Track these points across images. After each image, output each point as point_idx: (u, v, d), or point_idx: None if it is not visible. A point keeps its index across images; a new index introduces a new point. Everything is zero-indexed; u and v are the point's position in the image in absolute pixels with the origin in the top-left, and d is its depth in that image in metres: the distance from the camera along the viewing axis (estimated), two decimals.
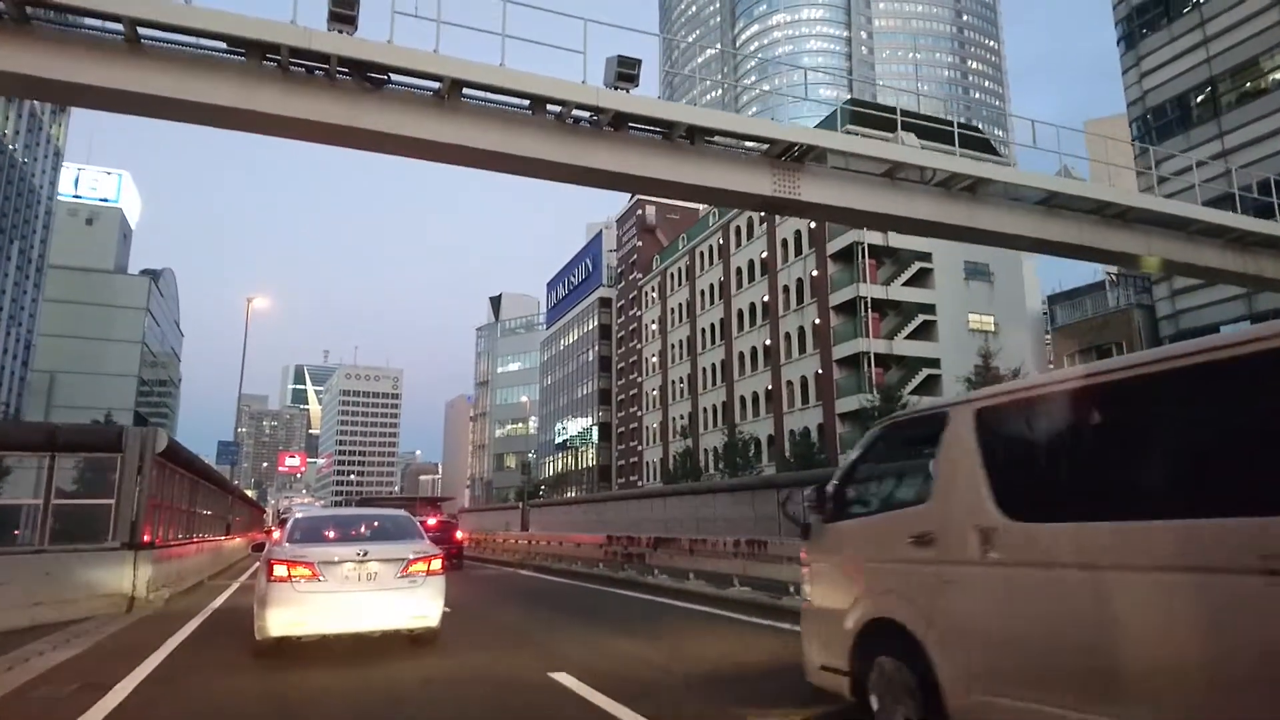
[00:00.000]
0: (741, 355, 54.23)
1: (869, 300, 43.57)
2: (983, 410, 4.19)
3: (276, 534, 10.14)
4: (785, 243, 50.31)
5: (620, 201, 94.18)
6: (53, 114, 52.56)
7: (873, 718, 4.45)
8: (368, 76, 10.12)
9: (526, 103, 10.77)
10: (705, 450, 55.24)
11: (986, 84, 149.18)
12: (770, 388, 50.42)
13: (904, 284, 44.57)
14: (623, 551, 16.76)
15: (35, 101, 48.81)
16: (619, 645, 8.77)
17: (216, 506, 26.29)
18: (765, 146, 11.56)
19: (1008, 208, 13.90)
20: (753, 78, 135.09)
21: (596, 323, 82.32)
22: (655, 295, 69.47)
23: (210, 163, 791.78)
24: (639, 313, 72.37)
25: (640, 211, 73.37)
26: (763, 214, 52.80)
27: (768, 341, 51.23)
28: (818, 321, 46.59)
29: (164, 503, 16.15)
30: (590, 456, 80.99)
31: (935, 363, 43.35)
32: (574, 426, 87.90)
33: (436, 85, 10.38)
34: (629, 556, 16.60)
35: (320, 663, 7.60)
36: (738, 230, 56.09)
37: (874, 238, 44.45)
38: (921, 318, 44.13)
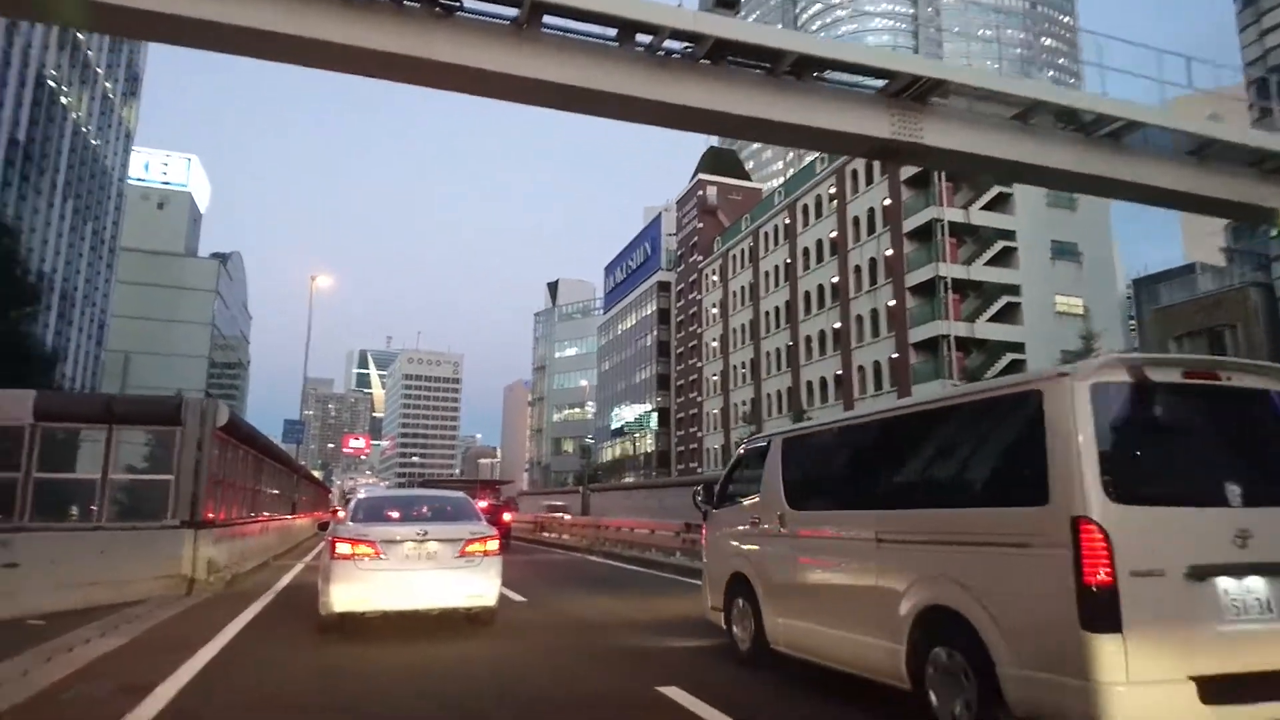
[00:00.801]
0: (808, 339, 52.34)
1: (949, 281, 41.33)
2: (785, 440, 6.88)
3: (341, 513, 10.38)
4: (857, 221, 48.19)
5: (680, 183, 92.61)
6: (123, 97, 53.30)
7: (733, 641, 7.03)
8: (439, 2, 9.01)
9: (613, 32, 9.51)
10: None
11: (1060, 61, 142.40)
12: (840, 372, 48.50)
13: (986, 264, 42.17)
14: None
15: (107, 83, 49.46)
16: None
17: (282, 485, 25.87)
18: (883, 83, 10.10)
19: (1153, 158, 12.11)
20: None
21: (655, 307, 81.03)
22: (716, 278, 67.82)
23: (278, 148, 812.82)
24: (699, 296, 70.81)
25: (701, 192, 71.63)
26: (832, 192, 50.75)
27: (837, 325, 49.26)
28: (892, 303, 44.50)
29: (226, 479, 15.45)
30: (648, 442, 79.98)
31: (1019, 347, 40.94)
32: (630, 413, 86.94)
33: (514, 12, 9.20)
34: None
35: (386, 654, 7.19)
36: (805, 209, 54.08)
37: (954, 214, 42.21)
38: (1005, 299, 41.67)
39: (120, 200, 55.19)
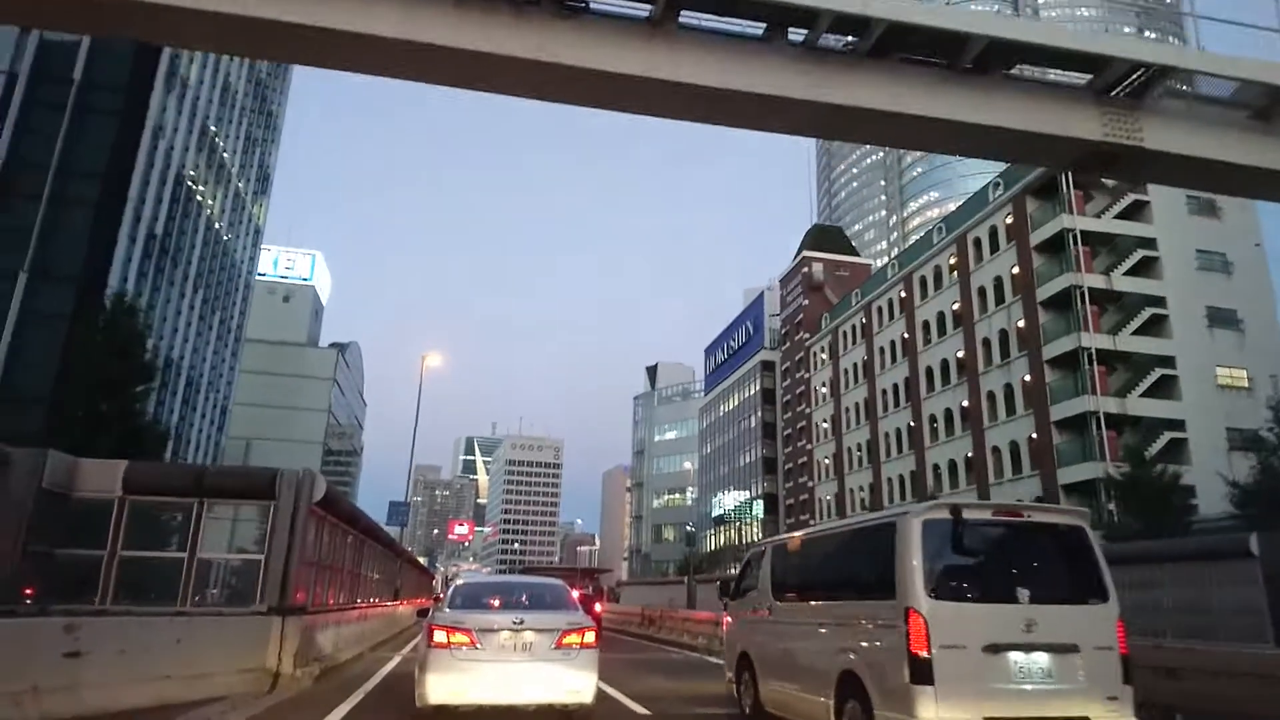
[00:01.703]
0: (933, 418, 48.78)
1: (1093, 352, 37.65)
2: (773, 547, 9.46)
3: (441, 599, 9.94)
4: (982, 291, 45.17)
5: (782, 264, 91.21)
6: (254, 195, 56.48)
7: (741, 707, 9.30)
8: (565, 2, 7.89)
9: (761, 27, 8.12)
10: None
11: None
12: (971, 455, 44.67)
13: (1134, 333, 38.35)
14: None
15: (239, 182, 52.48)
16: None
17: (384, 569, 24.67)
18: (1088, 78, 8.28)
19: None
20: None
21: (759, 387, 78.65)
22: (825, 356, 65.18)
23: (391, 244, 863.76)
24: (807, 375, 68.14)
25: (807, 269, 69.94)
26: (953, 262, 48.04)
27: (965, 402, 45.72)
28: (1028, 378, 40.91)
29: (322, 561, 14.18)
30: (755, 530, 76.31)
31: (1180, 424, 36.60)
32: (730, 500, 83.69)
33: (647, 9, 7.99)
34: None
35: None
36: (923, 281, 51.38)
37: (1094, 280, 38.86)
38: (1159, 371, 37.58)
39: (248, 292, 57.92)
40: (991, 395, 43.49)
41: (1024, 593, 6.11)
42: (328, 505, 13.29)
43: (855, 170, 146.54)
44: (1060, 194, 40.71)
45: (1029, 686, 5.88)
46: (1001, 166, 55.72)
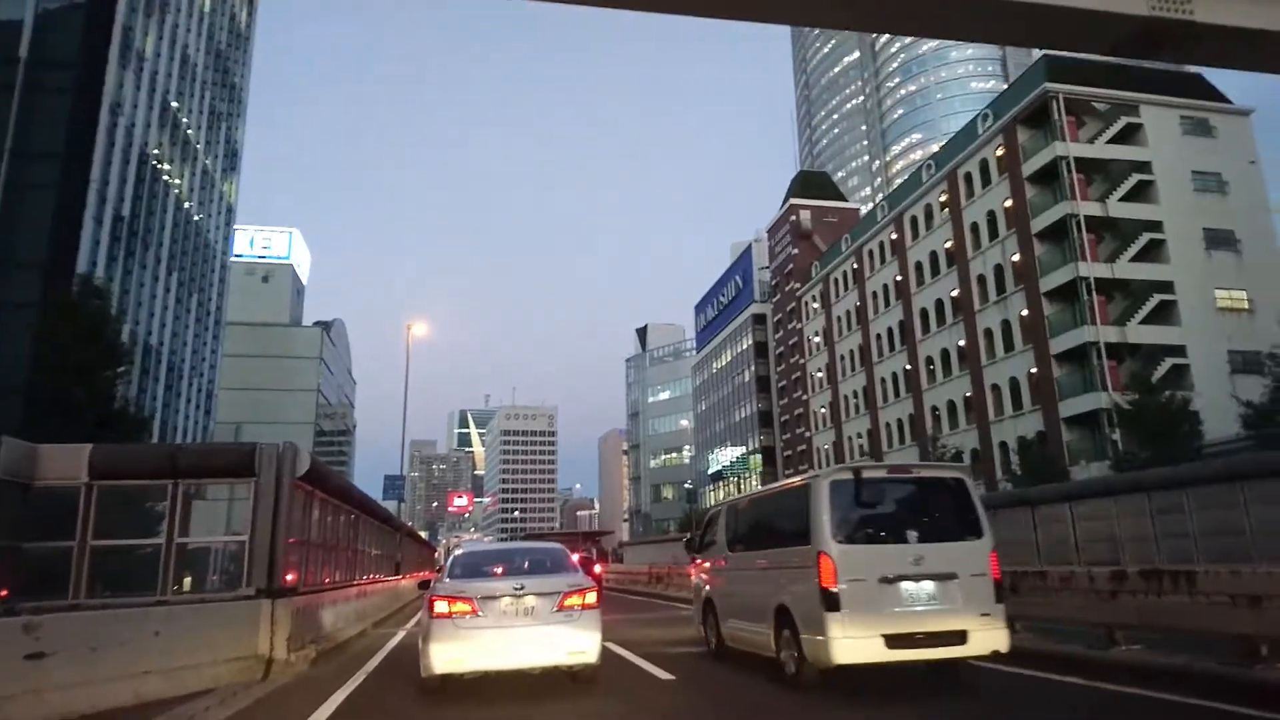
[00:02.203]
0: (929, 360, 48.25)
1: (1091, 282, 36.98)
2: (727, 507, 11.00)
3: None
4: (975, 227, 44.34)
5: (767, 217, 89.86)
6: (223, 172, 54.78)
7: (707, 643, 10.70)
8: None
9: None
10: None
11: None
12: (970, 394, 44.21)
13: (1131, 260, 37.67)
14: None
15: (206, 160, 50.78)
16: None
17: (383, 544, 24.01)
18: None
19: None
20: (897, 79, 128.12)
21: (751, 341, 77.99)
22: (817, 305, 64.42)
23: (369, 217, 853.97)
24: (799, 325, 67.42)
25: (794, 217, 68.80)
26: (943, 199, 47.10)
27: (961, 342, 45.14)
28: (1025, 313, 40.28)
29: (313, 539, 13.42)
30: (753, 484, 76.25)
31: (1180, 350, 36.12)
32: (726, 456, 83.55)
33: None
34: None
35: None
36: (914, 221, 50.47)
37: (1090, 209, 38.05)
38: (1157, 298, 36.98)
39: (224, 274, 56.43)
40: (989, 333, 42.90)
41: (913, 534, 7.62)
42: (315, 480, 12.48)
43: (836, 116, 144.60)
44: (1052, 121, 39.73)
45: (918, 608, 7.31)
46: (986, 99, 54.78)
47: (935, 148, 62.94)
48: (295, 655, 10.44)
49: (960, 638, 7.23)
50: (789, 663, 7.88)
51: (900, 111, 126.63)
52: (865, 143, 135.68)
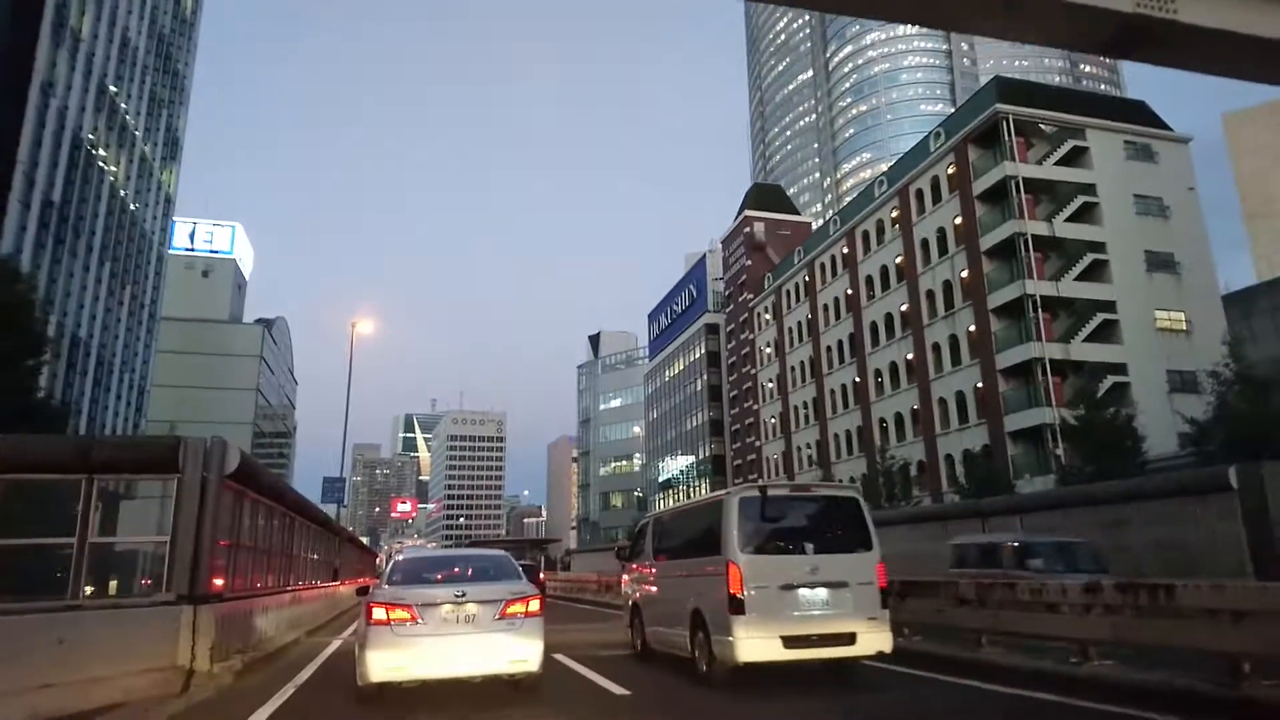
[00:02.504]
0: (878, 372, 48.71)
1: (1037, 299, 37.70)
2: (654, 519, 11.95)
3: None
4: (925, 243, 44.95)
5: (722, 228, 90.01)
6: (163, 161, 52.72)
7: (633, 644, 11.33)
8: None
9: None
10: (842, 481, 49.62)
11: (1103, 88, 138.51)
12: (917, 407, 44.71)
13: (1076, 279, 38.53)
14: None
15: (145, 146, 48.83)
16: None
17: (319, 549, 23.04)
18: None
19: None
20: (849, 99, 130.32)
21: (703, 350, 78.04)
22: (769, 316, 64.73)
23: (313, 210, 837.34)
24: (751, 336, 67.67)
25: (748, 229, 69.11)
26: (895, 215, 47.68)
27: (910, 355, 45.65)
28: (973, 329, 40.90)
29: (242, 542, 12.61)
30: (704, 491, 76.20)
31: (1122, 368, 37.00)
32: (676, 465, 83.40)
33: None
34: None
35: None
36: (865, 236, 51.00)
37: (1037, 228, 38.85)
38: (1101, 316, 37.88)
39: (161, 266, 54.23)
40: (937, 347, 43.47)
41: (810, 546, 8.49)
42: (245, 478, 11.71)
43: (789, 133, 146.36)
44: (1002, 141, 40.50)
45: (814, 612, 8.16)
46: (935, 121, 55.79)
47: (884, 167, 63.91)
48: (219, 666, 9.71)
49: (850, 639, 8.12)
50: (700, 662, 8.70)
51: (851, 131, 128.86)
52: (817, 160, 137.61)
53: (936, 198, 44.56)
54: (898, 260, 47.38)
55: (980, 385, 40.21)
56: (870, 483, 43.45)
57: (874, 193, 51.13)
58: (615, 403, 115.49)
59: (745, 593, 8.04)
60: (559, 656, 10.79)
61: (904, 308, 46.48)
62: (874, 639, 8.19)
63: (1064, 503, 19.78)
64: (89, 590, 10.22)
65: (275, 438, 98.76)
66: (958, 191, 42.69)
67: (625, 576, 12.75)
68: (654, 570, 11.01)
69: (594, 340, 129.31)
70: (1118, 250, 39.13)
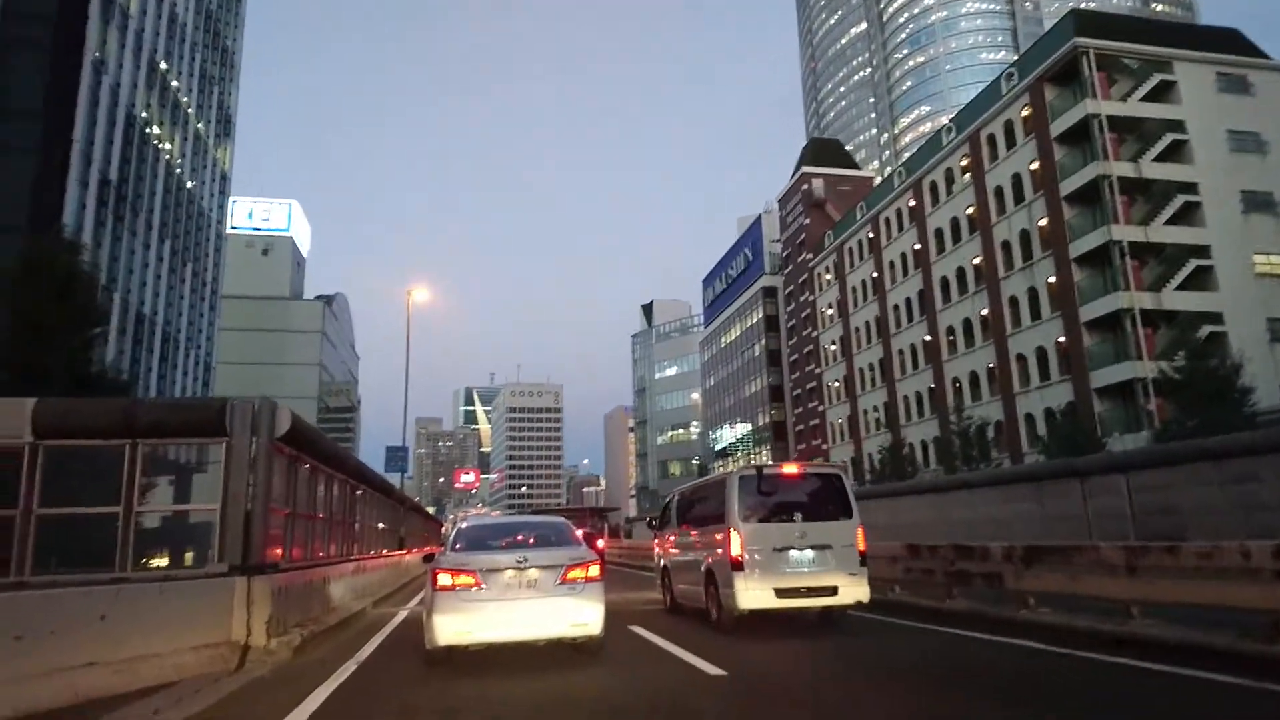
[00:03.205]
0: (950, 330, 46.57)
1: (1125, 246, 35.21)
2: (676, 494, 13.69)
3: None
4: (999, 191, 42.48)
5: (778, 185, 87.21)
6: (216, 138, 52.98)
7: (664, 603, 13.12)
8: None
9: None
10: (913, 444, 47.80)
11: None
12: (993, 365, 42.58)
13: (1165, 223, 35.86)
14: (947, 569, 10.92)
15: (199, 124, 49.02)
16: None
17: (384, 517, 22.63)
18: None
19: None
20: (905, 50, 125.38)
21: (761, 314, 76.23)
22: (830, 276, 62.63)
23: (371, 192, 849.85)
24: (812, 297, 65.67)
25: (806, 186, 66.77)
26: (965, 163, 45.25)
27: (985, 311, 43.44)
28: (1053, 280, 38.56)
29: (299, 509, 11.96)
30: (765, 459, 74.87)
31: (1217, 317, 34.41)
32: (730, 434, 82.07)
33: None
34: (958, 576, 10.75)
35: None
36: (933, 187, 48.57)
37: (1123, 169, 36.21)
38: (1194, 262, 35.23)
39: (220, 244, 54.74)
40: (1014, 300, 41.19)
41: (799, 515, 10.01)
42: (299, 442, 10.98)
43: (843, 89, 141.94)
44: (1082, 78, 37.78)
45: (802, 570, 9.71)
46: (996, 70, 52.90)
47: (945, 119, 60.76)
48: (276, 641, 9.02)
49: (833, 591, 9.74)
50: (712, 610, 10.41)
51: (909, 83, 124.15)
52: (873, 115, 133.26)
53: (1010, 142, 41.99)
54: (969, 211, 44.97)
55: (1062, 340, 37.95)
56: (944, 445, 41.68)
57: (941, 141, 48.55)
58: (670, 371, 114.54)
59: (744, 554, 9.73)
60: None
61: (977, 261, 44.16)
62: (853, 591, 9.84)
63: (1175, 458, 18.03)
64: (165, 562, 9.67)
65: (340, 412, 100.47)
66: (1034, 135, 40.11)
67: (656, 543, 14.70)
68: (677, 537, 12.85)
69: (647, 309, 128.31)
70: (1211, 191, 36.32)
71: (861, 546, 10.02)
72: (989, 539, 13.55)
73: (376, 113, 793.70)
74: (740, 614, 9.65)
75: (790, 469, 10.97)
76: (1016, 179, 41.30)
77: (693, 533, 11.92)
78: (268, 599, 8.98)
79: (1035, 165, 40.06)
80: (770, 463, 13.23)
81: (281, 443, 10.11)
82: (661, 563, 13.58)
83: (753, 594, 9.58)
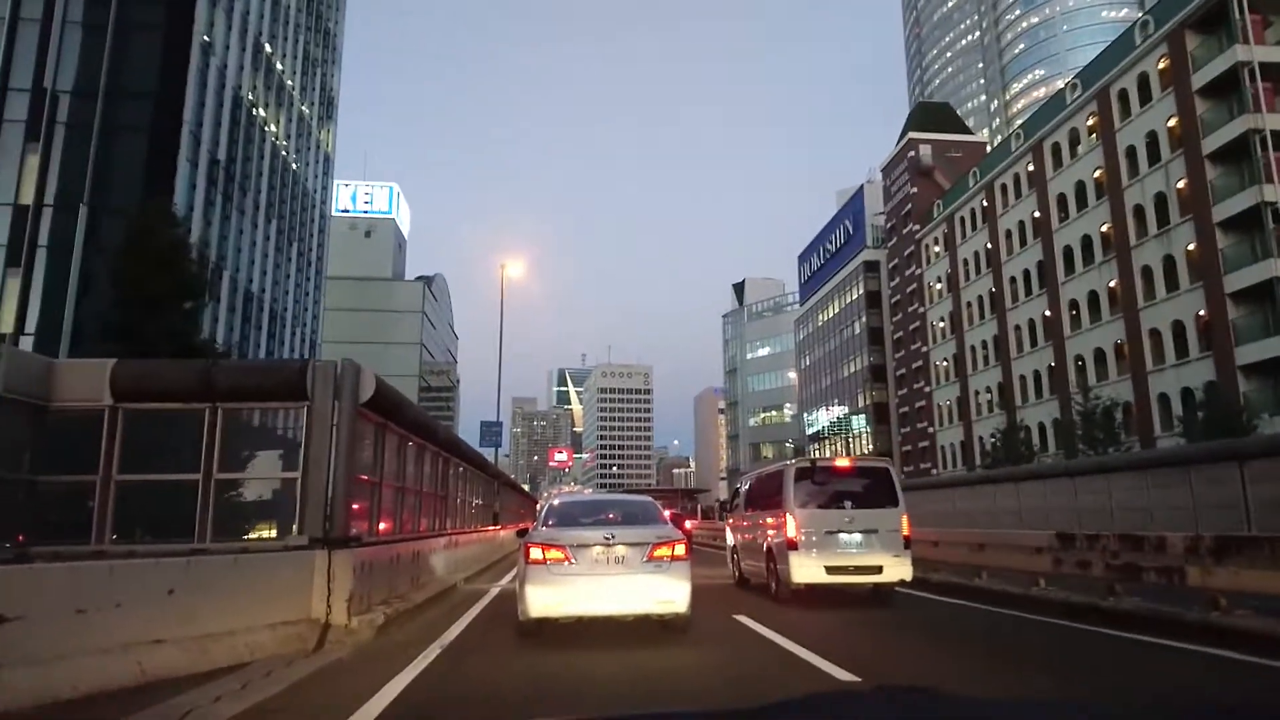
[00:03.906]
0: (1073, 304, 43.19)
1: (1278, 207, 31.51)
2: (745, 482, 15.60)
3: None
4: (1132, 151, 38.87)
5: (878, 157, 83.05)
6: (320, 120, 54.17)
7: (734, 578, 14.79)
8: None
9: None
10: (1028, 427, 44.75)
11: None
12: (1122, 340, 39.22)
13: None
14: (1109, 561, 9.38)
15: (303, 106, 50.13)
16: None
17: (479, 492, 22.28)
18: None
19: None
20: (1018, 11, 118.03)
21: (862, 290, 73.22)
22: (939, 248, 59.35)
23: (466, 174, 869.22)
24: (918, 270, 62.47)
25: (913, 153, 63.34)
26: (1091, 123, 41.72)
27: (1113, 282, 40.01)
28: (1193, 247, 35.02)
29: (387, 480, 11.37)
30: (865, 443, 72.19)
31: None
32: (830, 414, 79.36)
33: None
34: (1123, 570, 9.20)
35: None
36: (1055, 149, 45.01)
37: (1277, 123, 32.33)
38: None
39: (324, 223, 56.17)
40: (1147, 270, 37.69)
41: (849, 503, 11.44)
42: (385, 409, 10.35)
43: (949, 54, 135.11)
44: (1231, 22, 33.87)
45: (851, 550, 11.17)
46: (1118, 29, 48.76)
47: (1060, 83, 56.25)
48: (358, 620, 8.38)
49: (878, 570, 10.90)
50: (771, 583, 11.84)
51: (1021, 46, 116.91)
52: (982, 81, 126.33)
53: (1145, 98, 38.29)
54: (1096, 174, 41.41)
55: (1202, 313, 34.46)
56: (1065, 427, 38.75)
57: (1065, 100, 44.85)
58: (763, 351, 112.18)
59: (799, 536, 11.10)
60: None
61: (1105, 228, 40.65)
62: (897, 570, 11.00)
63: None
64: (272, 535, 9.16)
65: (441, 391, 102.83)
66: (1172, 88, 36.38)
67: (727, 526, 16.66)
68: (744, 520, 14.36)
69: (738, 289, 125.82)
70: None
71: (906, 532, 11.22)
72: (1152, 529, 11.90)
73: (472, 90, 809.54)
74: (795, 587, 11.06)
75: (842, 463, 12.30)
76: (1151, 137, 37.66)
77: (757, 517, 13.31)
78: (349, 574, 8.35)
79: (1173, 121, 36.39)
80: (821, 458, 15.20)
81: (366, 409, 9.48)
82: (731, 543, 15.43)
83: (806, 570, 10.98)
